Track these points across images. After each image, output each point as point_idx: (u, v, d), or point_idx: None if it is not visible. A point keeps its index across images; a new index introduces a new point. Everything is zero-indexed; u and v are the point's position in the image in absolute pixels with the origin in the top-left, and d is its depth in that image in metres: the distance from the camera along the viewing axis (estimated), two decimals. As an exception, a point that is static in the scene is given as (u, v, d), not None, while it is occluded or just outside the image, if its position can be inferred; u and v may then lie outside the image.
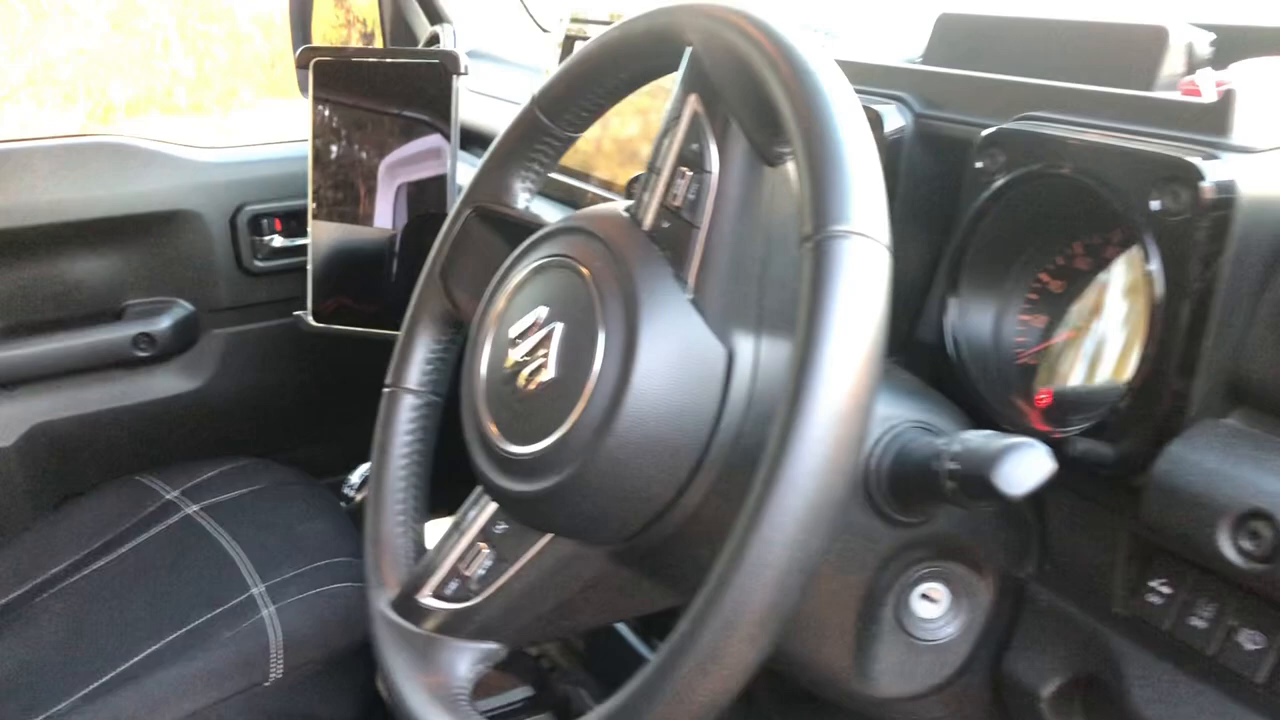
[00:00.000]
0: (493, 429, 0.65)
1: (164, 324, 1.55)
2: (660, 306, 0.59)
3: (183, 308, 1.58)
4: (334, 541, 1.33)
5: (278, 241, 1.61)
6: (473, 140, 1.29)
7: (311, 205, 1.15)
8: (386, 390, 0.79)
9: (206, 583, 1.26)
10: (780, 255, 0.61)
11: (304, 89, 1.19)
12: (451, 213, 0.79)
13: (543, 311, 0.64)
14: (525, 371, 0.63)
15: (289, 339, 1.66)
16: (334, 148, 1.14)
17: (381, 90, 1.11)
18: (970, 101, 0.75)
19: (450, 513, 0.71)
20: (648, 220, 0.62)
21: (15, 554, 1.38)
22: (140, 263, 1.55)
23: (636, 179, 0.70)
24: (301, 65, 1.15)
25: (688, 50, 0.62)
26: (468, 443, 0.67)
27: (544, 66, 1.28)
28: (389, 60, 1.11)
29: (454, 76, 1.08)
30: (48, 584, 1.31)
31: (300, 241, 1.62)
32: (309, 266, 1.16)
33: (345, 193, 1.14)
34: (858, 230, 0.49)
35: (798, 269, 0.50)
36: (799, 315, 0.49)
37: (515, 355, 0.64)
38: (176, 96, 5.17)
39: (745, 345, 0.59)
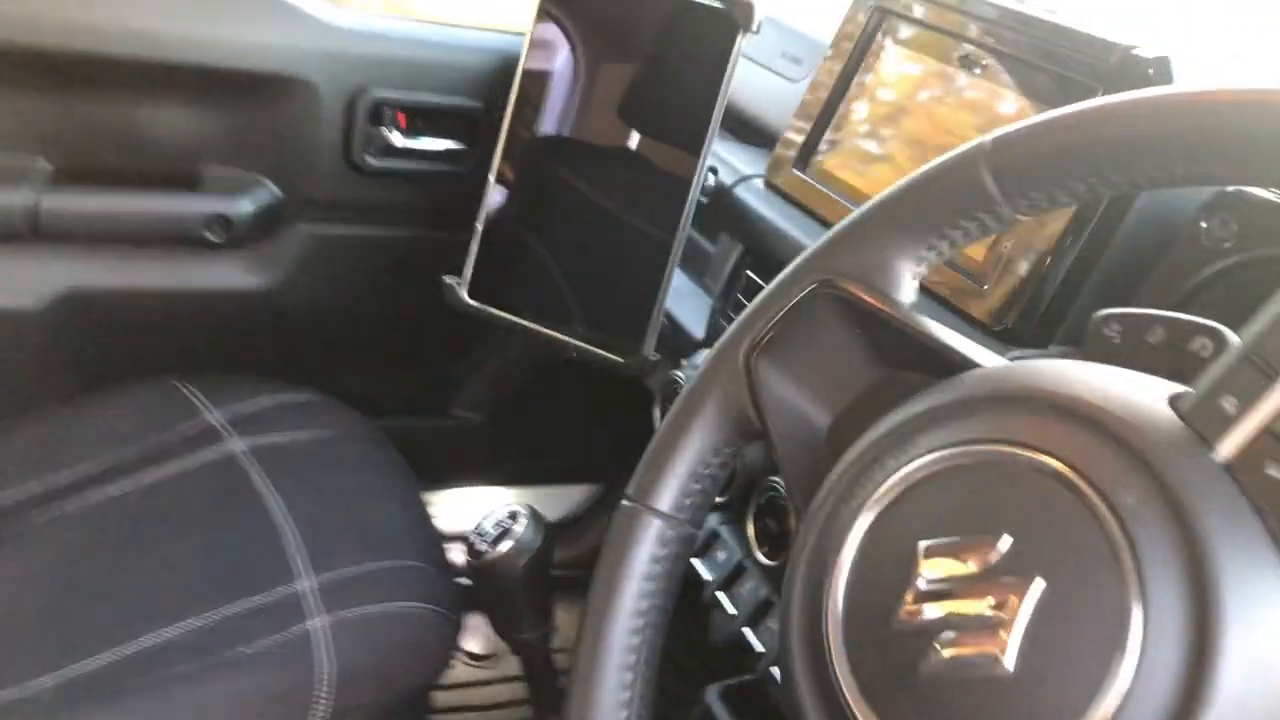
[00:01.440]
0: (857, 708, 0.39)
1: (245, 207, 1.28)
2: (1259, 613, 0.33)
3: (270, 191, 1.30)
4: (407, 536, 1.09)
5: (398, 139, 1.33)
6: (730, 120, 0.98)
7: (499, 157, 0.87)
8: (626, 504, 0.54)
9: (245, 553, 1.01)
10: None
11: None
12: (789, 271, 0.52)
13: (1002, 544, 0.38)
14: (943, 640, 0.37)
15: (384, 252, 1.39)
16: (548, 89, 0.86)
17: (635, 26, 0.82)
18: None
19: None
20: (1233, 449, 0.36)
21: (20, 446, 1.13)
22: (231, 128, 1.27)
23: (1152, 324, 0.43)
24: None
25: None
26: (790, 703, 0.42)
27: (829, 37, 0.99)
28: None
29: (740, 33, 0.79)
30: (51, 497, 1.06)
31: (425, 145, 1.35)
32: (477, 228, 0.89)
33: (548, 152, 0.86)
34: None
35: None
36: None
37: (928, 609, 0.38)
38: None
39: None
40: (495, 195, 0.88)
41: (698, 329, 0.96)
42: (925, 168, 0.49)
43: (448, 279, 0.91)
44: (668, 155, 0.82)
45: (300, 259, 1.34)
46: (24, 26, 1.12)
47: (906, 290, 0.49)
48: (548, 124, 0.86)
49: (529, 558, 0.84)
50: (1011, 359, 0.47)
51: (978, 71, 0.74)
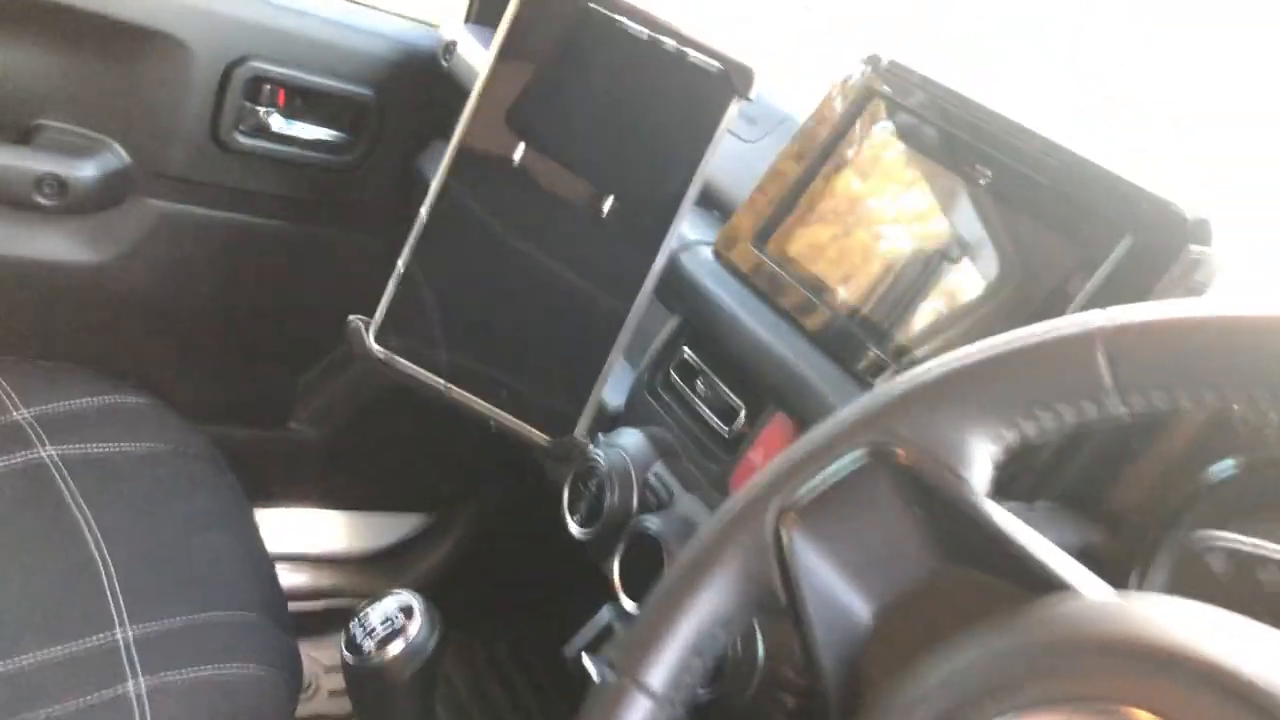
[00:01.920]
0: None
1: (86, 171, 1.10)
2: None
3: (117, 156, 1.13)
4: (241, 581, 0.95)
5: (275, 120, 1.18)
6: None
7: (435, 190, 0.74)
8: (611, 677, 0.44)
9: (54, 587, 0.86)
10: None
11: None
12: (836, 423, 0.44)
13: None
14: None
15: (239, 240, 1.24)
16: (503, 120, 0.74)
17: (618, 71, 0.72)
18: None
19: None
20: None
21: None
22: (82, 80, 1.10)
23: (1265, 563, 0.37)
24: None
25: None
26: None
27: (785, 99, 0.91)
28: (649, 32, 0.70)
29: (734, 99, 0.70)
30: None
31: (303, 130, 1.21)
32: (398, 268, 0.76)
33: (494, 193, 0.75)
34: None
35: None
36: None
37: None
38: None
39: None
40: (427, 231, 0.76)
41: (616, 397, 0.88)
42: (1022, 333, 0.42)
43: (354, 318, 0.78)
44: (633, 221, 0.72)
45: (142, 236, 1.18)
46: None
47: (980, 473, 0.42)
48: (498, 161, 0.75)
49: (421, 663, 0.73)
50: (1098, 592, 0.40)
51: (981, 183, 0.69)
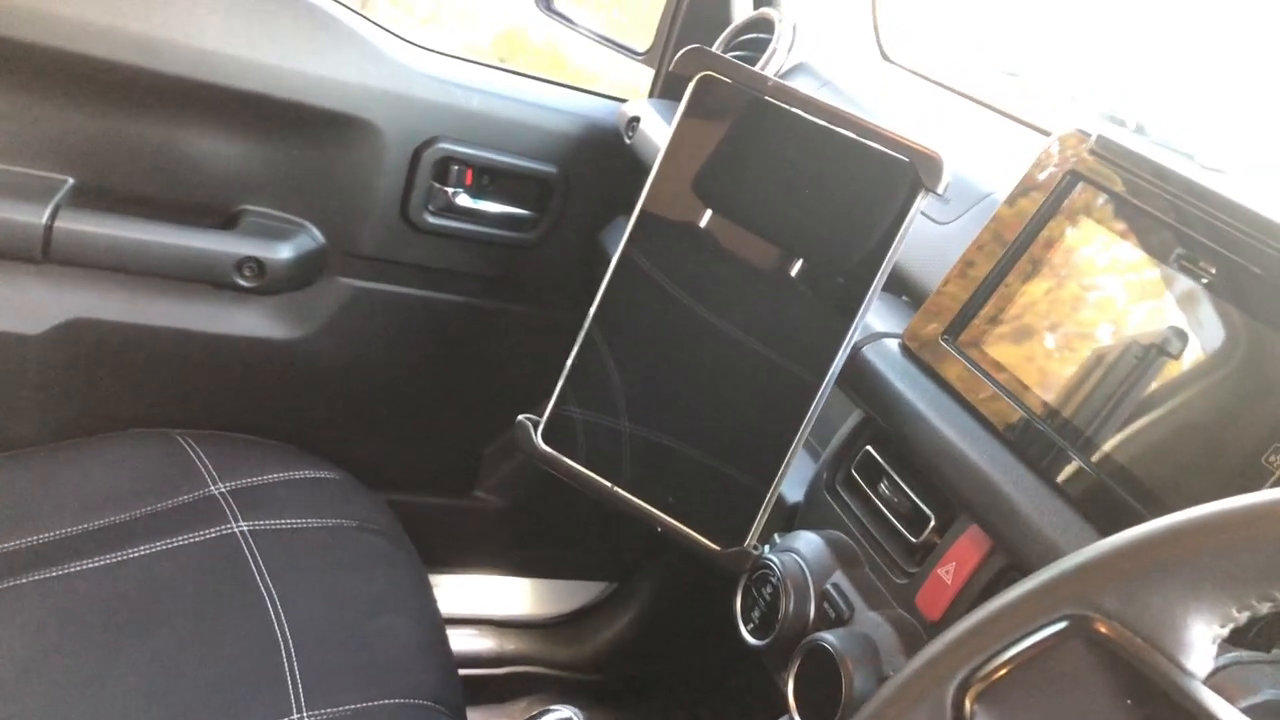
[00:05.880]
0: None
1: (283, 253, 1.14)
2: None
3: (312, 237, 1.17)
4: (418, 665, 0.95)
5: (463, 199, 1.20)
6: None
7: (614, 265, 0.72)
8: None
9: (238, 669, 0.87)
10: None
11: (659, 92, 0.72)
12: (1029, 589, 0.39)
13: None
14: None
15: (426, 315, 1.26)
16: (681, 201, 0.71)
17: (794, 154, 0.68)
18: None
19: None
20: None
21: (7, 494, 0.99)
22: (278, 165, 1.14)
23: None
24: (682, 72, 0.71)
25: None
26: None
27: (984, 175, 0.85)
28: (828, 124, 0.66)
29: (921, 193, 0.65)
30: (21, 562, 0.93)
31: (490, 207, 1.22)
32: (568, 364, 0.74)
33: (671, 271, 0.72)
34: None
35: None
36: None
37: None
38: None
39: None
40: (603, 308, 0.74)
41: (794, 493, 0.83)
42: (1259, 496, 0.36)
43: (523, 418, 0.77)
44: (816, 311, 0.68)
45: (334, 314, 1.21)
46: (71, 32, 1.00)
47: (1200, 658, 0.36)
48: (676, 238, 0.72)
49: None
50: None
51: (1204, 281, 0.61)
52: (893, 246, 0.67)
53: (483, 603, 1.51)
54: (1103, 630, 0.37)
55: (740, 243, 0.72)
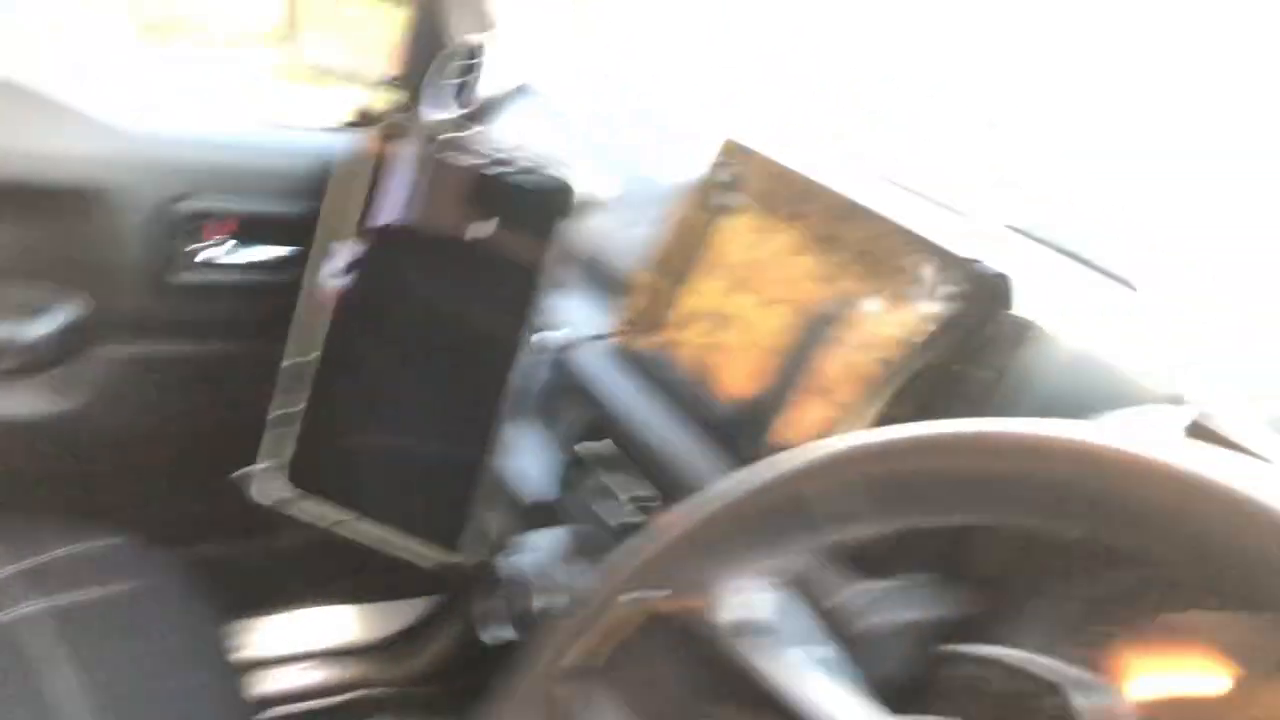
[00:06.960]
0: None
1: (38, 329, 1.15)
2: None
3: (69, 311, 1.18)
4: (217, 717, 0.98)
5: (217, 253, 1.22)
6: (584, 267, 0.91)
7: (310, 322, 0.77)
8: None
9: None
10: None
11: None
12: (592, 585, 0.46)
13: None
14: None
15: (195, 369, 1.27)
16: (377, 258, 0.77)
17: (465, 196, 0.74)
18: None
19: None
20: None
21: None
22: (19, 245, 1.14)
23: None
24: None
25: None
26: None
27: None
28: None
29: (559, 218, 0.72)
30: None
31: (247, 256, 1.25)
32: (305, 402, 0.79)
33: (373, 316, 0.77)
34: None
35: None
36: None
37: None
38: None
39: None
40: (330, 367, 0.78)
41: (535, 491, 0.89)
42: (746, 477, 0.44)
43: (261, 466, 0.81)
44: (489, 337, 0.75)
45: (104, 383, 1.22)
46: None
47: (730, 610, 0.42)
48: (373, 291, 0.77)
49: None
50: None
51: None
52: (544, 264, 0.74)
53: (311, 637, 1.53)
54: (659, 603, 0.44)
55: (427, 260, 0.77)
